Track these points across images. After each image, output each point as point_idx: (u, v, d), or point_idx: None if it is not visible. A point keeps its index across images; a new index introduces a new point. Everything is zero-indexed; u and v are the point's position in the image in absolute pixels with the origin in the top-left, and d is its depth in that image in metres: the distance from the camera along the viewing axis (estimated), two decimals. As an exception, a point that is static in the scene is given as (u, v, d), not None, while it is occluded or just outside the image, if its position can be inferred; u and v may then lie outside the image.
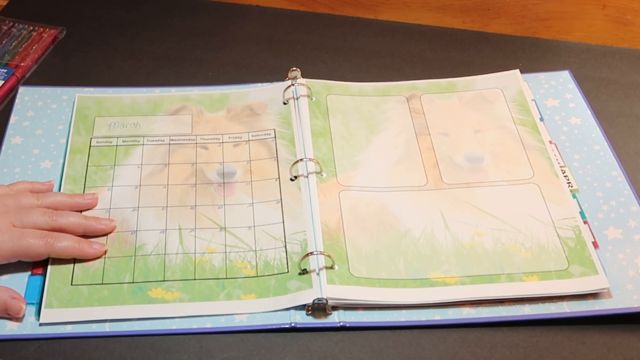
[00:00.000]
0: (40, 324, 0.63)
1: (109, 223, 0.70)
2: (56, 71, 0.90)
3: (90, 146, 0.79)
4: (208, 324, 0.64)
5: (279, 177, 0.76)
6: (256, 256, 0.69)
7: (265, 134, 0.80)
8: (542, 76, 0.88)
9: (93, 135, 0.80)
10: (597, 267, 0.66)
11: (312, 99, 0.83)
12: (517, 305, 0.65)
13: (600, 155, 0.78)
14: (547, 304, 0.65)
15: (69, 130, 0.80)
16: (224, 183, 0.75)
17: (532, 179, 0.75)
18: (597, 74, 0.90)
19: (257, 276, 0.67)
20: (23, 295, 0.65)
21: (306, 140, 0.78)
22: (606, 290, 0.65)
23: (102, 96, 0.84)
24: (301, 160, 0.76)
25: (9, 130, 0.80)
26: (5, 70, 0.88)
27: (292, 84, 0.84)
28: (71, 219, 0.69)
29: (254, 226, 0.71)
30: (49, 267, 0.67)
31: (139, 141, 0.80)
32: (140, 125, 0.81)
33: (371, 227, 0.71)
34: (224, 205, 0.73)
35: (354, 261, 0.68)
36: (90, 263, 0.68)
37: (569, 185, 0.75)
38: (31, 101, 0.84)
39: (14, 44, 0.92)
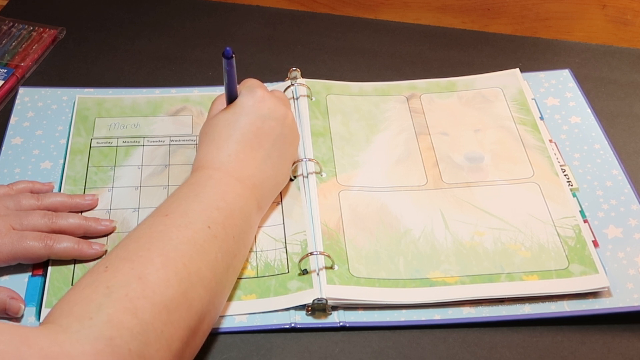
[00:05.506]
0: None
1: (109, 224, 0.70)
2: (56, 71, 0.90)
3: (90, 147, 0.79)
4: (208, 324, 0.64)
5: (278, 177, 0.76)
6: (257, 257, 0.69)
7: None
8: (542, 75, 0.88)
9: (93, 136, 0.80)
10: (597, 266, 0.66)
11: (311, 99, 0.83)
12: (517, 305, 0.65)
13: (601, 154, 0.78)
14: (547, 303, 0.65)
15: (69, 131, 0.80)
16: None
17: (532, 178, 0.75)
18: (597, 74, 0.90)
19: (258, 277, 0.67)
20: (23, 296, 0.65)
21: (306, 140, 0.78)
22: (606, 289, 0.65)
23: (102, 97, 0.85)
24: (301, 160, 0.76)
25: (9, 131, 0.80)
26: (5, 70, 0.88)
27: (292, 84, 0.84)
28: (71, 221, 0.69)
29: (254, 227, 0.71)
30: (49, 267, 0.67)
31: (139, 142, 0.80)
32: (141, 126, 0.81)
33: (371, 227, 0.71)
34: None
35: (353, 261, 0.68)
36: (91, 263, 0.68)
37: (569, 184, 0.75)
38: (31, 102, 0.84)
39: (14, 44, 0.92)
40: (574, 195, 0.74)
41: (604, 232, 0.71)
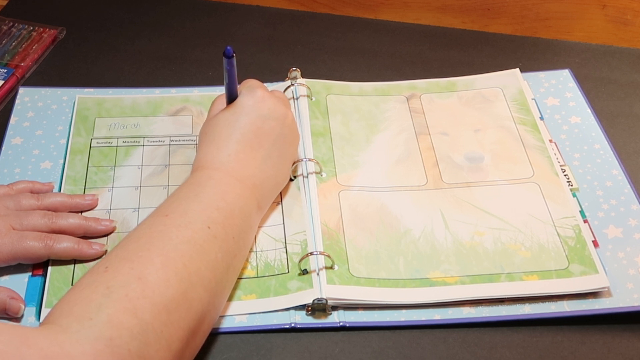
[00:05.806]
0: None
1: (109, 224, 0.70)
2: (56, 71, 0.90)
3: (90, 147, 0.79)
4: (208, 324, 0.64)
5: (278, 177, 0.76)
6: (257, 257, 0.69)
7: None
8: (542, 75, 0.88)
9: (93, 136, 0.80)
10: (597, 266, 0.66)
11: (311, 99, 0.83)
12: (517, 305, 0.65)
13: (601, 154, 0.78)
14: (547, 303, 0.65)
15: (69, 131, 0.80)
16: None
17: (532, 178, 0.75)
18: (597, 74, 0.90)
19: (258, 277, 0.67)
20: (23, 296, 0.65)
21: (306, 140, 0.78)
22: (606, 289, 0.65)
23: (102, 97, 0.85)
24: (301, 160, 0.76)
25: (9, 131, 0.80)
26: (5, 70, 0.88)
27: (292, 84, 0.84)
28: (71, 221, 0.69)
29: (254, 226, 0.71)
30: (49, 267, 0.67)
31: (139, 142, 0.80)
32: (141, 126, 0.81)
33: (371, 227, 0.71)
34: (224, 205, 0.73)
35: (353, 261, 0.68)
36: (91, 263, 0.68)
37: (569, 184, 0.75)
38: (31, 102, 0.84)
39: (14, 44, 0.92)
40: (574, 195, 0.74)
41: (604, 232, 0.71)
